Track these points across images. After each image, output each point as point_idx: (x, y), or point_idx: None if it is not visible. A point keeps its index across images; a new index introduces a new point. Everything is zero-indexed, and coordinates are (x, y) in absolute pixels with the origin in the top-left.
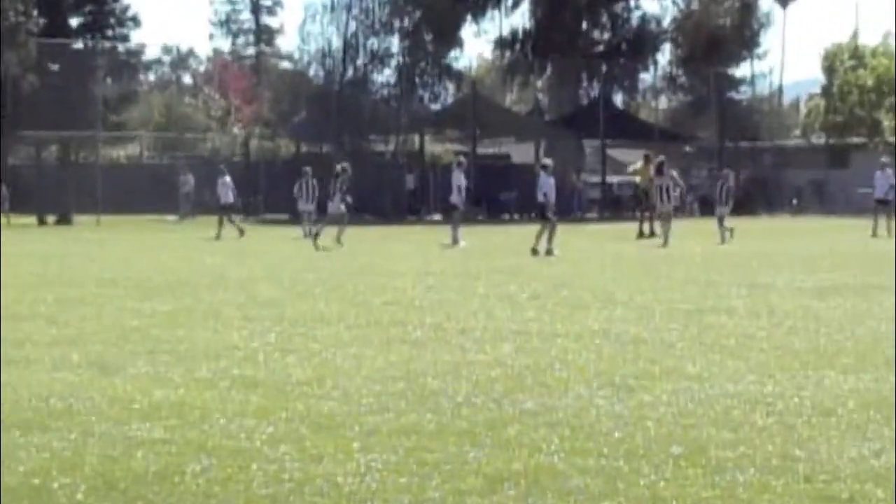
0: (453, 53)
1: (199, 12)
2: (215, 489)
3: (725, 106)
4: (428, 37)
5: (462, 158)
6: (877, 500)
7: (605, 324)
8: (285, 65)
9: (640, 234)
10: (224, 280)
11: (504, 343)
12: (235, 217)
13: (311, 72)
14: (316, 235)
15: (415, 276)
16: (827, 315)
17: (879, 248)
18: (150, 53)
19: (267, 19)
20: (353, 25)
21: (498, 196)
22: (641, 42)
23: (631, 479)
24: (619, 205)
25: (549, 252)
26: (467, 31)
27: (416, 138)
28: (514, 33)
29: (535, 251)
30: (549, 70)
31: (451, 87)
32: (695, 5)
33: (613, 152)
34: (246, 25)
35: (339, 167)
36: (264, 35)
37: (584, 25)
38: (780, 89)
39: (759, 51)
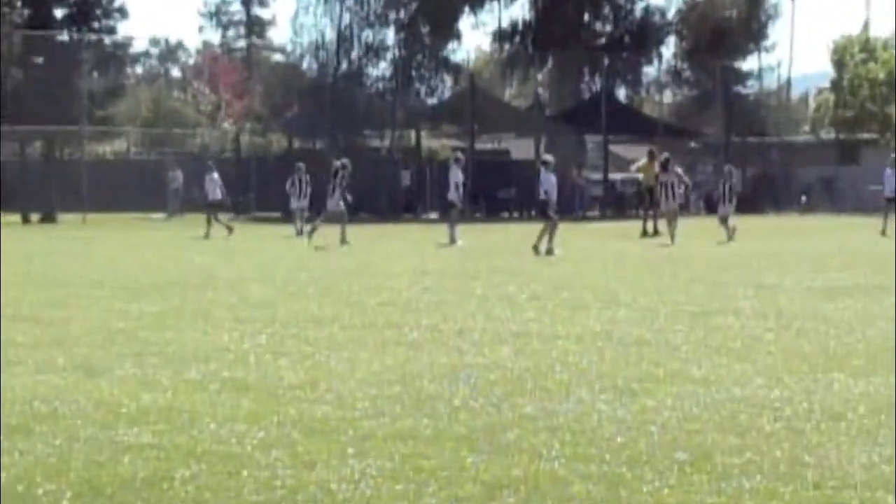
0: (451, 46)
1: (189, 3)
2: (205, 496)
3: (732, 100)
4: (424, 29)
5: (459, 154)
6: None
7: (607, 325)
8: (277, 57)
9: (644, 233)
10: (214, 280)
11: (503, 345)
12: (223, 215)
13: (304, 65)
14: (312, 231)
15: (411, 276)
16: (837, 316)
17: (891, 248)
18: (138, 46)
19: (258, 10)
20: (347, 17)
21: (496, 193)
22: (645, 34)
23: (634, 486)
24: (622, 202)
25: (549, 252)
26: (465, 22)
27: (413, 134)
28: (513, 25)
29: (536, 249)
30: (549, 63)
31: (448, 80)
32: None
33: (616, 148)
34: (236, 17)
35: (338, 163)
36: (255, 27)
37: (586, 17)
38: (789, 83)
39: (767, 43)
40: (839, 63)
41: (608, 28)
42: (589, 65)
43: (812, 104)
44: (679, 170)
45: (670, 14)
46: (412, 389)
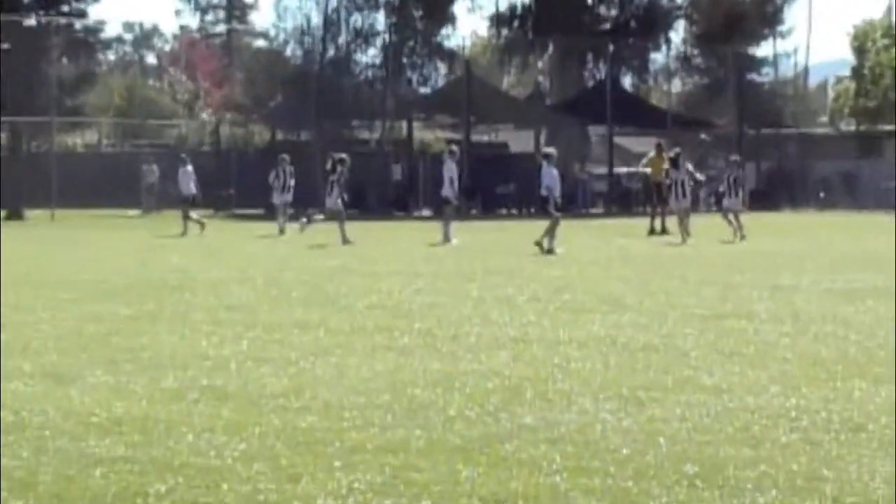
0: (445, 31)
1: None
2: None
3: (745, 89)
4: (417, 12)
5: (454, 147)
6: None
7: (611, 330)
8: (259, 43)
9: (652, 231)
10: (192, 281)
11: (501, 351)
12: (196, 212)
13: (288, 51)
14: (308, 222)
15: (402, 277)
16: (857, 320)
17: None
18: (110, 31)
19: None
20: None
21: (494, 189)
22: (653, 18)
23: (640, 501)
24: (627, 198)
25: (550, 251)
26: (460, 6)
27: (404, 125)
28: (512, 9)
29: (540, 246)
30: (550, 49)
31: (442, 68)
32: None
33: (621, 140)
34: (216, 0)
35: (336, 157)
36: (236, 10)
37: (590, 0)
38: (806, 71)
39: (783, 28)
40: (860, 49)
41: (613, 12)
42: (593, 51)
43: (831, 93)
44: (690, 166)
45: None
46: (403, 398)
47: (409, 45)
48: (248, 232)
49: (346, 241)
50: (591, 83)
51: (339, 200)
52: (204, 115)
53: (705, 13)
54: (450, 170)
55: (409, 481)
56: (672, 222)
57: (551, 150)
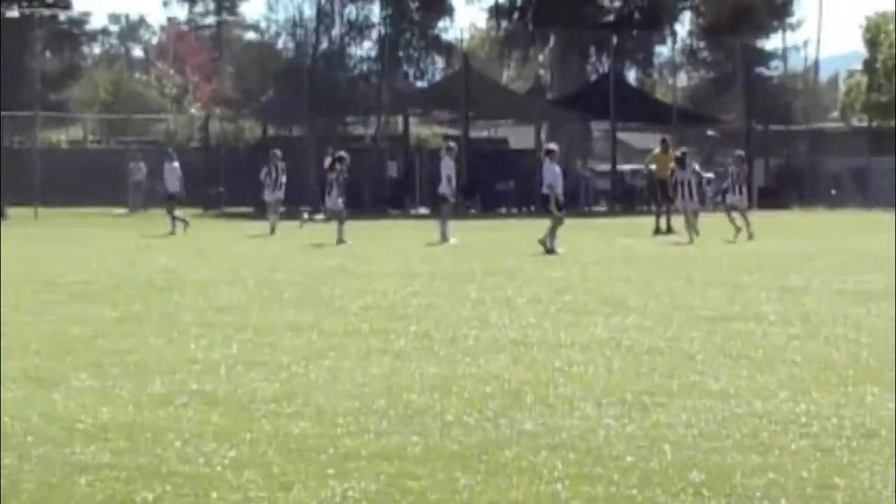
0: (442, 23)
1: None
2: None
3: (753, 83)
4: (413, 4)
5: (452, 143)
6: None
7: (615, 333)
8: (250, 36)
9: (657, 230)
10: (180, 282)
11: (500, 354)
12: (181, 210)
13: (280, 44)
14: (308, 219)
15: (398, 277)
16: (869, 323)
17: None
18: (96, 22)
19: None
20: None
21: (493, 186)
22: (657, 10)
23: None
24: (631, 196)
25: (551, 251)
26: None
27: (400, 120)
28: (511, 0)
29: (543, 245)
30: (552, 42)
31: (439, 61)
32: None
33: (625, 136)
34: None
35: (336, 155)
36: (226, 1)
37: None
38: (816, 65)
39: (793, 20)
40: (872, 42)
41: (617, 3)
42: (595, 43)
43: (842, 88)
44: (696, 166)
45: None
46: (399, 403)
47: (405, 37)
48: (238, 231)
49: (341, 241)
50: (593, 77)
51: (340, 200)
52: (193, 110)
53: (712, 4)
54: (447, 167)
55: (405, 490)
56: (678, 222)
57: (554, 145)
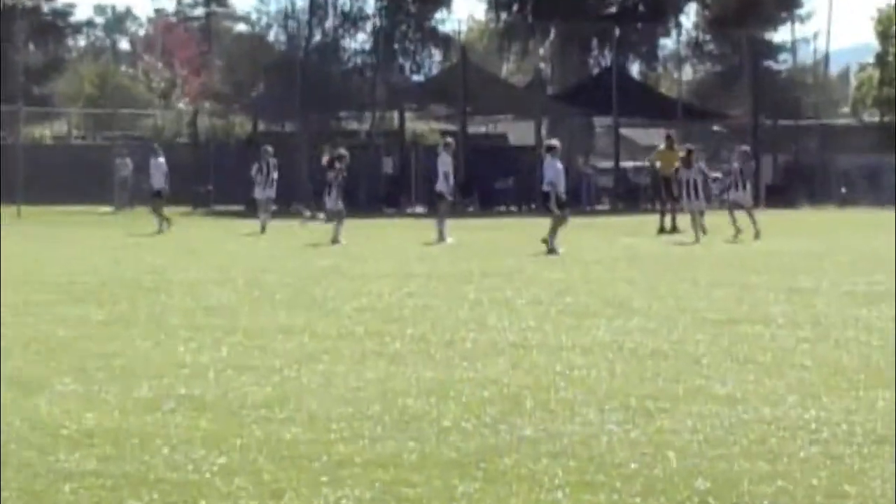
0: (439, 14)
1: None
2: None
3: (761, 77)
4: None
5: (450, 139)
6: None
7: (618, 335)
8: (241, 28)
9: (662, 230)
10: (168, 283)
11: (499, 358)
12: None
13: (272, 36)
14: (308, 217)
15: (394, 278)
16: (881, 325)
17: None
18: (80, 14)
19: None
20: None
21: (492, 184)
22: (662, 1)
23: None
24: (635, 194)
25: (552, 251)
26: None
27: (396, 115)
28: None
29: (546, 244)
30: (552, 34)
31: (436, 54)
32: None
33: (628, 132)
34: None
35: (335, 153)
36: None
37: None
38: (827, 58)
39: (802, 12)
40: (884, 35)
41: None
42: (597, 36)
43: (853, 82)
44: (702, 164)
45: None
46: (395, 408)
47: (400, 29)
48: (228, 229)
49: (336, 240)
50: (595, 71)
51: (340, 200)
52: (181, 105)
53: None
54: (445, 163)
55: (401, 498)
56: (683, 221)
57: (556, 142)
